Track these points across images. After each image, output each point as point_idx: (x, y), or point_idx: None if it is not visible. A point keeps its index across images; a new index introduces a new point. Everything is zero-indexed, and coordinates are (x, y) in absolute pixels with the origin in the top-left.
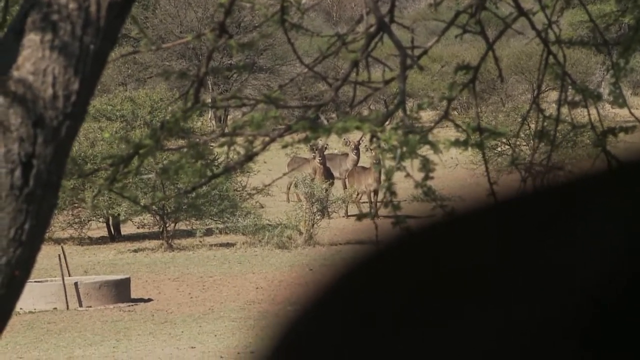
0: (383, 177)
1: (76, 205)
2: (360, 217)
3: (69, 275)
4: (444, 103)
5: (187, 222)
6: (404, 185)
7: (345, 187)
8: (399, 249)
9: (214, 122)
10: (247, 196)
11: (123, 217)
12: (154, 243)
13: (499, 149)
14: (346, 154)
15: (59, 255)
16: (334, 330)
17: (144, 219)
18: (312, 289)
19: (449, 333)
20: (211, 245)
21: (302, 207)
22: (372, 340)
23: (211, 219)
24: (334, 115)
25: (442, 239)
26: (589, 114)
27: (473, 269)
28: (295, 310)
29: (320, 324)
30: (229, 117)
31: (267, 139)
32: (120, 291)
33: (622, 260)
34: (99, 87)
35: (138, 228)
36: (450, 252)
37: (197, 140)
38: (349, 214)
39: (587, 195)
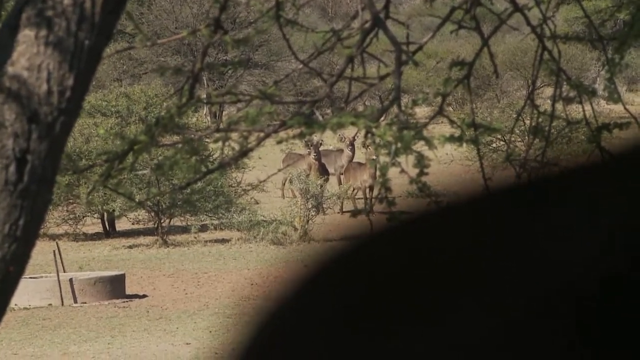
0: (378, 173)
1: (71, 201)
2: (354, 213)
3: (64, 272)
4: (439, 99)
5: (182, 218)
6: (399, 182)
7: (340, 183)
8: (378, 243)
9: (209, 118)
10: (242, 192)
11: (118, 213)
12: (148, 239)
13: (494, 145)
14: (341, 150)
15: (54, 251)
16: (310, 326)
17: (138, 215)
18: (290, 283)
19: (437, 328)
20: (206, 242)
21: (297, 203)
22: (352, 338)
23: (206, 215)
24: (329, 111)
25: (429, 231)
26: (583, 110)
27: (462, 261)
28: (270, 306)
29: (297, 320)
30: (224, 113)
31: (261, 134)
32: (115, 287)
33: (616, 254)
34: (94, 82)
35: (133, 224)
36: (438, 244)
37: (192, 136)
38: (344, 210)
39: (582, 187)
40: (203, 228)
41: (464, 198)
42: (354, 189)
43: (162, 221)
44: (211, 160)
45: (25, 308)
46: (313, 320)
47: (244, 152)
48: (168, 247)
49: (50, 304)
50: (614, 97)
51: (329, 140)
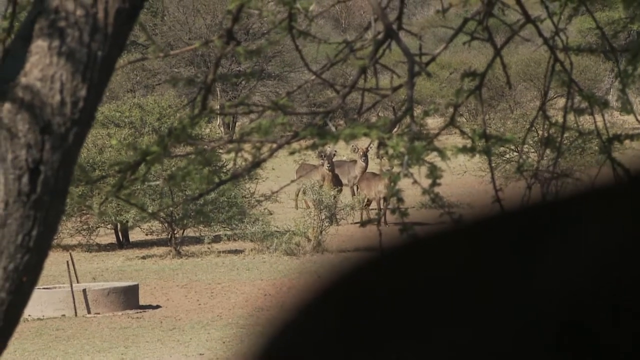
0: (391, 183)
1: (84, 212)
2: (364, 223)
3: (77, 282)
4: (451, 109)
5: (195, 229)
6: (413, 192)
7: (353, 194)
8: (388, 258)
9: (222, 129)
10: (256, 203)
11: (131, 224)
12: (162, 250)
13: (507, 156)
14: (354, 161)
15: (67, 262)
16: (319, 338)
17: (152, 225)
18: (299, 295)
19: (435, 344)
20: (219, 252)
21: (311, 214)
22: (354, 351)
23: (219, 225)
24: (342, 122)
25: (437, 249)
26: (594, 121)
27: (464, 278)
28: (279, 318)
29: (304, 332)
30: (237, 124)
31: (274, 145)
32: (128, 298)
33: (614, 275)
34: (107, 93)
35: (146, 235)
36: (444, 261)
37: (205, 147)
38: (361, 220)
39: (582, 205)
40: (216, 239)
41: (478, 214)
42: (368, 200)
43: (175, 232)
44: (224, 171)
45: (38, 319)
46: (313, 336)
47: (257, 163)
48: (181, 257)
49: (63, 315)
50: (626, 108)
51: (342, 151)
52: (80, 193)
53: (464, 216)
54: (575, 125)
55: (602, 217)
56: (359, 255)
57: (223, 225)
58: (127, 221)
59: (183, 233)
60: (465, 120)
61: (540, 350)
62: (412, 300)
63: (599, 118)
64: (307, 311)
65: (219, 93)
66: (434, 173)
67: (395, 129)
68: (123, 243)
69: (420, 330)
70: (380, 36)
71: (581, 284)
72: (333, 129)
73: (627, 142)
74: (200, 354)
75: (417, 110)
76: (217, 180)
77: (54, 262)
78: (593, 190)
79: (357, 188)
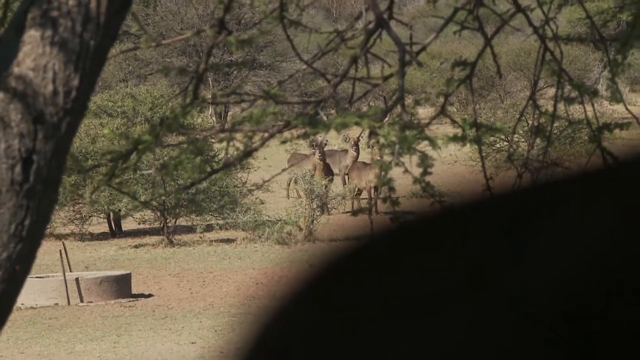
0: (382, 172)
1: (77, 201)
2: (355, 212)
3: (70, 271)
4: (442, 99)
5: (188, 218)
6: (404, 182)
7: (344, 183)
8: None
9: (214, 118)
10: (247, 192)
11: (124, 213)
12: (154, 239)
13: (498, 145)
14: (346, 150)
15: (60, 251)
16: (307, 328)
17: (144, 215)
18: (289, 284)
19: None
20: (211, 241)
21: (302, 203)
22: (345, 340)
23: (211, 215)
24: (333, 112)
25: (425, 235)
26: (584, 111)
27: (454, 263)
28: (269, 307)
29: (292, 321)
30: (229, 114)
31: (266, 134)
32: (121, 287)
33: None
34: (99, 83)
35: (139, 224)
36: (433, 246)
37: (197, 136)
38: (352, 209)
39: (576, 192)
40: (208, 228)
41: (468, 200)
42: (358, 189)
43: (167, 221)
44: (216, 160)
45: (31, 307)
46: (306, 323)
47: (249, 152)
48: (174, 246)
49: (56, 304)
50: (616, 97)
51: (333, 140)
52: (73, 182)
53: (454, 203)
54: (565, 114)
55: (591, 198)
56: (348, 244)
57: (215, 215)
58: (120, 210)
59: (175, 222)
60: (455, 110)
61: (534, 334)
62: (400, 287)
63: (588, 107)
64: (296, 300)
65: (210, 83)
66: (425, 162)
67: (386, 118)
68: (115, 232)
69: (410, 317)
70: (371, 26)
71: (574, 266)
72: (324, 118)
73: (616, 131)
74: (192, 342)
75: (408, 100)
76: (209, 169)
77: (47, 251)
78: (582, 174)
79: (348, 177)
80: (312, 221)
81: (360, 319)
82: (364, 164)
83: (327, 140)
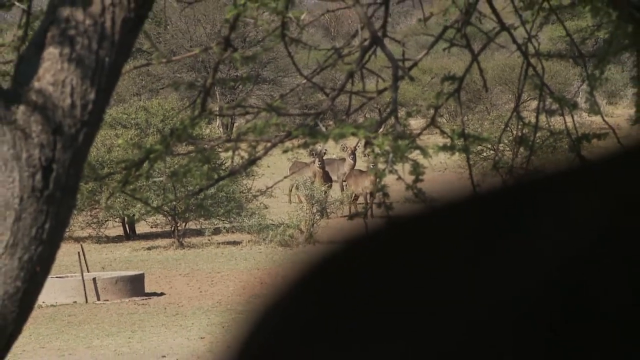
0: (377, 180)
1: (94, 206)
2: (351, 216)
3: (88, 271)
4: (432, 111)
5: (197, 222)
6: (397, 188)
7: (342, 189)
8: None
9: (221, 129)
10: (252, 198)
11: (137, 217)
12: (166, 241)
13: (484, 154)
14: (343, 159)
15: (79, 253)
16: (301, 324)
17: (156, 219)
18: (282, 283)
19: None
20: (219, 243)
21: (303, 208)
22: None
23: (219, 218)
24: (331, 123)
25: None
26: (565, 122)
27: (448, 263)
28: (263, 304)
29: (286, 318)
30: (235, 125)
31: (268, 144)
32: (135, 286)
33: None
34: (114, 97)
35: (151, 227)
36: (425, 242)
37: (205, 145)
38: (350, 214)
39: (552, 190)
40: (216, 231)
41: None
42: (355, 195)
43: (178, 225)
44: (223, 168)
45: (52, 305)
46: (295, 323)
47: (253, 161)
48: (184, 248)
49: (75, 302)
50: (594, 109)
51: (332, 149)
52: (90, 189)
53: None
54: (547, 125)
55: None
56: (342, 243)
57: (222, 219)
58: (134, 215)
59: (185, 226)
60: (445, 121)
61: (530, 332)
62: (395, 284)
63: (568, 119)
64: (290, 296)
65: (217, 96)
66: (417, 170)
67: (381, 129)
68: (130, 235)
69: (407, 315)
70: (366, 43)
71: (567, 262)
72: (323, 129)
73: (594, 141)
74: (202, 338)
75: (401, 112)
76: (216, 176)
77: (66, 253)
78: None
79: (346, 184)
80: (313, 225)
81: (354, 316)
82: (361, 171)
83: (326, 150)
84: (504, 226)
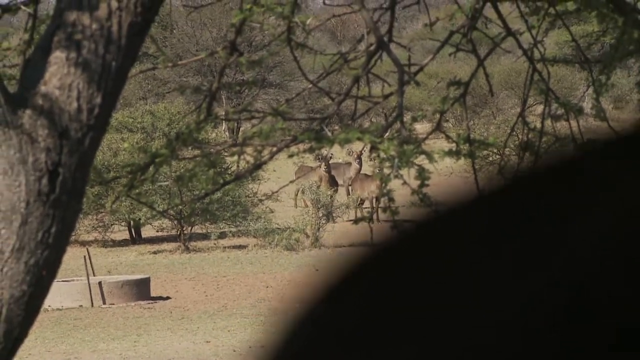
0: (382, 184)
1: (100, 210)
2: (357, 221)
3: (94, 275)
4: (437, 116)
5: (203, 226)
6: (403, 192)
7: (348, 193)
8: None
9: (227, 133)
10: (258, 202)
11: (143, 221)
12: (172, 245)
13: (490, 158)
14: (349, 163)
15: (84, 257)
16: (340, 326)
17: (162, 223)
18: (319, 288)
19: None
20: (225, 247)
21: (309, 212)
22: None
23: (225, 223)
24: (337, 127)
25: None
26: (570, 127)
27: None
28: (302, 308)
29: (326, 320)
30: (241, 129)
31: (274, 149)
32: (140, 290)
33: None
34: (120, 101)
35: (157, 231)
36: (441, 250)
37: (210, 150)
38: (355, 218)
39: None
40: (222, 235)
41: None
42: (361, 200)
43: (184, 229)
44: (228, 172)
45: (58, 309)
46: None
47: (258, 165)
48: (190, 252)
49: (81, 305)
50: (600, 115)
51: (338, 154)
52: (96, 193)
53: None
54: (552, 130)
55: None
56: (358, 251)
57: (228, 223)
58: (140, 219)
59: (191, 230)
60: (451, 126)
61: (538, 335)
62: (404, 289)
63: (574, 124)
64: (324, 303)
65: (223, 100)
66: (422, 174)
67: (387, 134)
68: (136, 239)
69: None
70: (372, 48)
71: (575, 266)
72: (329, 133)
73: None
74: (207, 342)
75: (407, 117)
76: (221, 180)
77: (72, 256)
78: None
79: (352, 188)
80: (318, 229)
81: (384, 322)
82: (366, 175)
83: (332, 154)
84: (510, 230)
